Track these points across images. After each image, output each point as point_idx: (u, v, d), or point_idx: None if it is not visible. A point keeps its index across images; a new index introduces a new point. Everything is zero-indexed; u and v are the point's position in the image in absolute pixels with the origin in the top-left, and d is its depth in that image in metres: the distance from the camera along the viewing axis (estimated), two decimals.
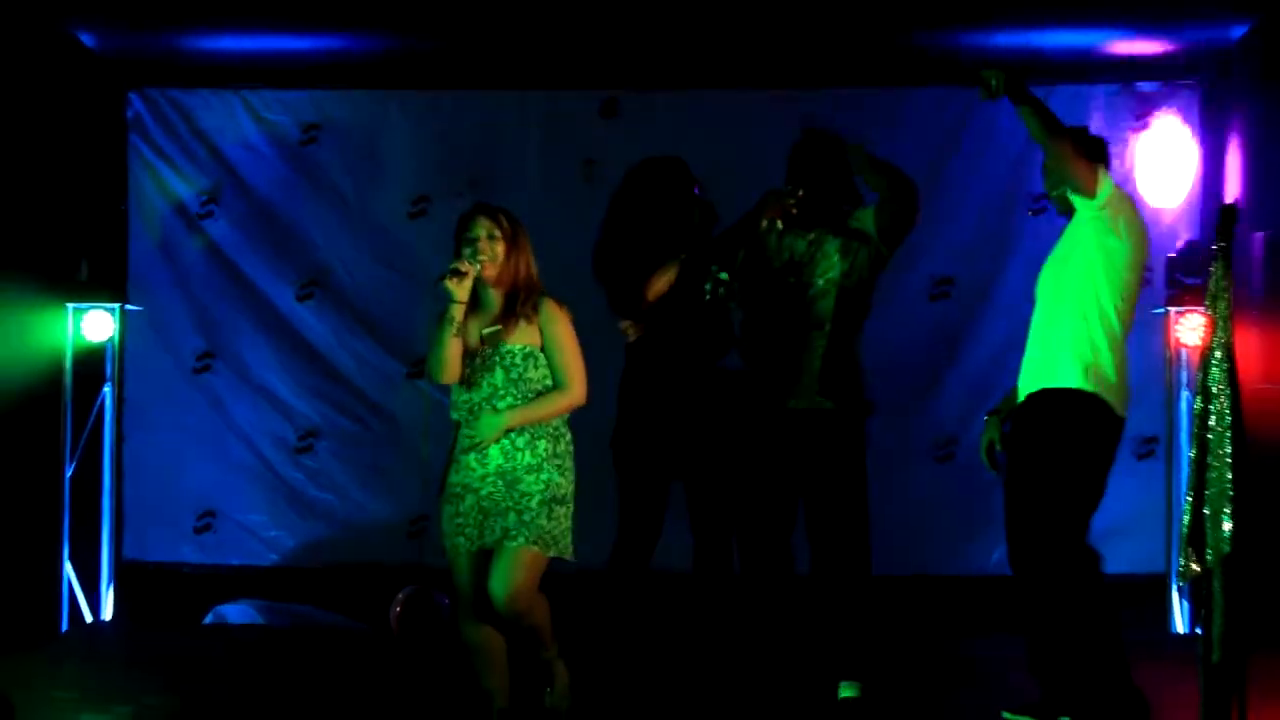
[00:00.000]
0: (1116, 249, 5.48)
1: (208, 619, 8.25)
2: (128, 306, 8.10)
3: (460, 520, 5.28)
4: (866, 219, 6.03)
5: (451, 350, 5.23)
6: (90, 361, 8.03)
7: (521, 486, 5.23)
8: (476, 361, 5.29)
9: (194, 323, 8.47)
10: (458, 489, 5.29)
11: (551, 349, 5.33)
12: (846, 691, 5.96)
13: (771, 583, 6.06)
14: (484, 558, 5.28)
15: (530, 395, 5.28)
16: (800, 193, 5.92)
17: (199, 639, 7.94)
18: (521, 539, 5.18)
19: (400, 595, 7.77)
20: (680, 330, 6.09)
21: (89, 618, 7.99)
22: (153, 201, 8.46)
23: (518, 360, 5.27)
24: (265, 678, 6.75)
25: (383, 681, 6.62)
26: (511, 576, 5.17)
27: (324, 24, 7.75)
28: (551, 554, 5.27)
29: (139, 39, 8.03)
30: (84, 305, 7.91)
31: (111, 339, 8.02)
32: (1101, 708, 5.42)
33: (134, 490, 8.41)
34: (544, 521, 5.22)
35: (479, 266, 5.23)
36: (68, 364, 7.93)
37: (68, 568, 7.86)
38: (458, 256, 5.28)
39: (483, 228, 5.29)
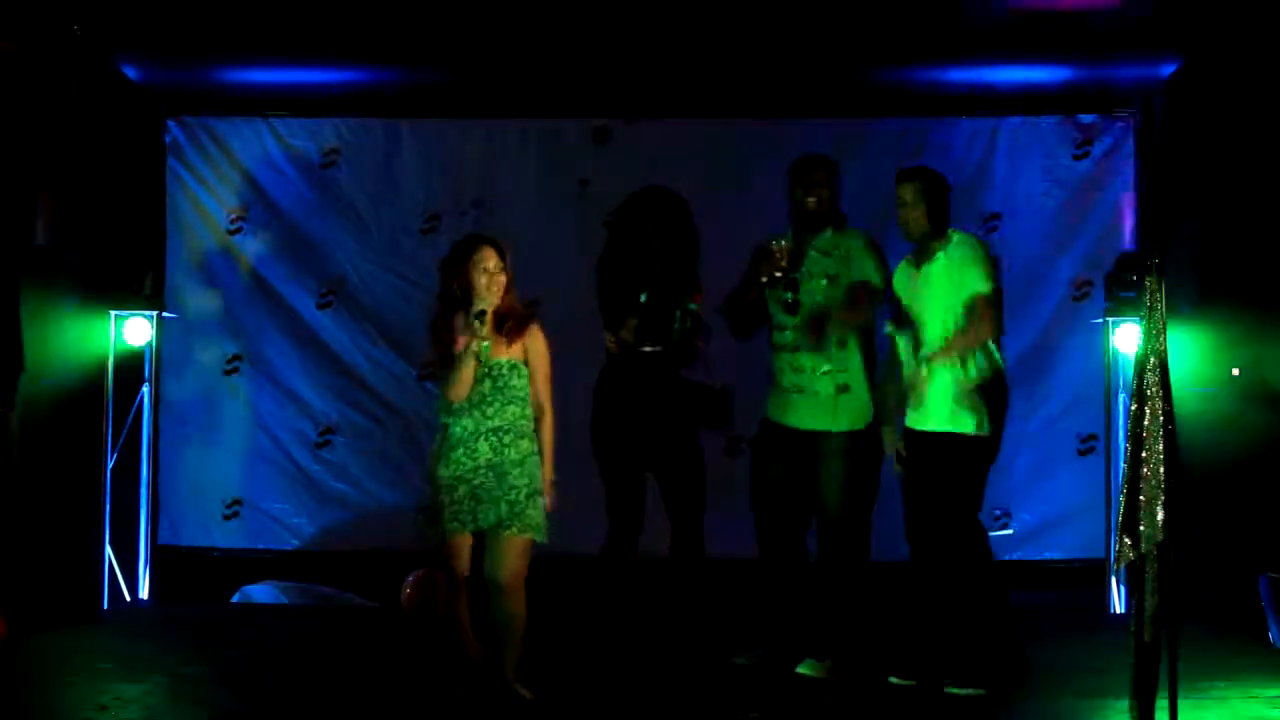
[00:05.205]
0: None
1: (235, 598, 8.22)
2: (164, 314, 8.06)
3: (455, 508, 5.40)
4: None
5: (469, 374, 5.37)
6: (130, 364, 7.99)
7: (510, 479, 5.39)
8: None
9: (224, 328, 8.46)
10: (450, 480, 5.42)
11: (535, 367, 5.49)
12: (805, 669, 5.94)
13: (786, 569, 6.10)
14: (476, 540, 5.47)
15: (512, 399, 5.42)
16: (784, 241, 5.90)
17: (227, 616, 7.91)
18: (515, 528, 5.37)
19: (410, 577, 7.74)
20: (653, 348, 6.10)
21: (128, 597, 7.95)
22: (188, 219, 8.46)
23: (504, 371, 5.43)
24: (287, 651, 6.72)
25: (392, 654, 6.60)
26: (508, 561, 5.39)
27: (343, 59, 7.75)
28: (537, 539, 5.43)
29: (176, 72, 8.07)
30: (125, 312, 7.86)
31: (150, 343, 7.98)
32: (989, 668, 5.62)
33: (169, 480, 8.38)
34: (532, 512, 5.40)
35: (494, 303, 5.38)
36: (110, 366, 7.88)
37: (108, 551, 7.83)
38: (467, 283, 5.41)
39: (492, 260, 5.41)
